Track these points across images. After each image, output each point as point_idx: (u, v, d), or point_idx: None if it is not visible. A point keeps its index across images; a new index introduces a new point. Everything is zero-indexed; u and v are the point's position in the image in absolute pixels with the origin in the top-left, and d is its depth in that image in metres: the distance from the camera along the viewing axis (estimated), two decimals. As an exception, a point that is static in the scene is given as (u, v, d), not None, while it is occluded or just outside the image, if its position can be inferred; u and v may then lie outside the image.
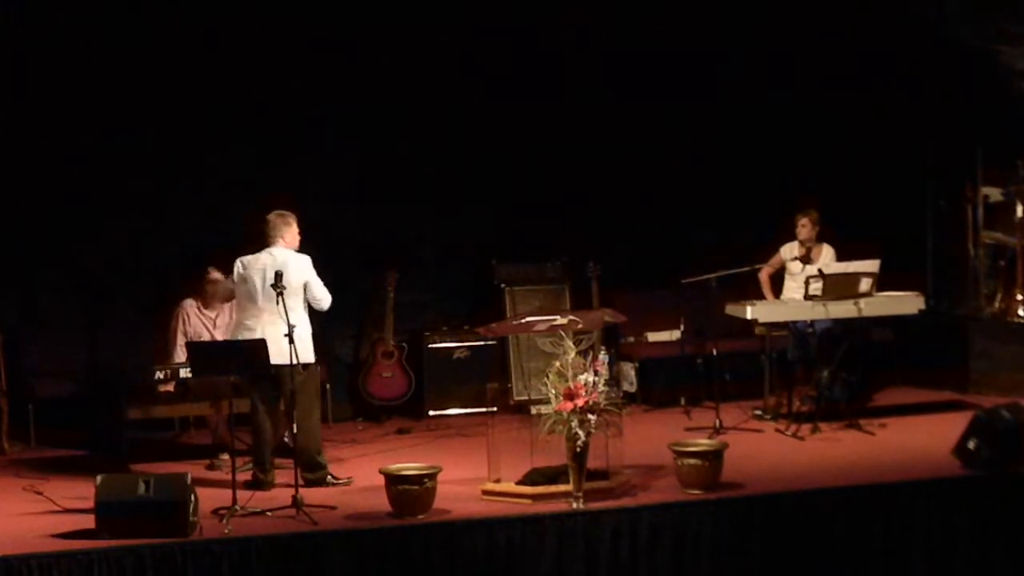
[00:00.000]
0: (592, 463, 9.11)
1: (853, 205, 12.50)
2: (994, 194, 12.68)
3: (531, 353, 12.06)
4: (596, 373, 8.97)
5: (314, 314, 9.90)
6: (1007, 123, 12.49)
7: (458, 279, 12.64)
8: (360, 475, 10.01)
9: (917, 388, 12.47)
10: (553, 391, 8.96)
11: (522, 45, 12.51)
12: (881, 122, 12.99)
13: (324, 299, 9.88)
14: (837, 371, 11.33)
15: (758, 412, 11.61)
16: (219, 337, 10.58)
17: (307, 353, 9.69)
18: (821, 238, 11.81)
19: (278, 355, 9.42)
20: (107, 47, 11.74)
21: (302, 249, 9.90)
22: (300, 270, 9.80)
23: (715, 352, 11.68)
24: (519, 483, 9.36)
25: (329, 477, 9.90)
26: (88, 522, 8.74)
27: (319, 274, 9.82)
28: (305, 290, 9.80)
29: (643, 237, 12.94)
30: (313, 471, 9.80)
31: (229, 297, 10.66)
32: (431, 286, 12.64)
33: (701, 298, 11.68)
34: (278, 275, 9.45)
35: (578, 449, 8.95)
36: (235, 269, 9.91)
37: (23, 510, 9.38)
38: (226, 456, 9.94)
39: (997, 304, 12.61)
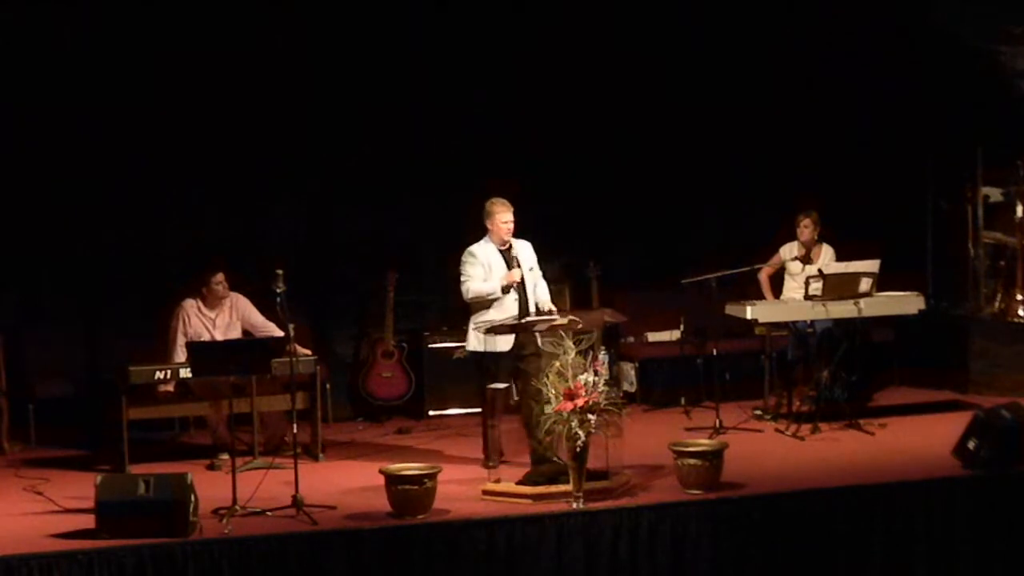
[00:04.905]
0: (592, 463, 9.10)
1: (853, 205, 12.49)
2: (994, 194, 12.69)
3: (531, 353, 12.03)
4: (596, 373, 8.97)
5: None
6: (1007, 123, 12.50)
7: (458, 279, 12.60)
8: (360, 475, 10.00)
9: (917, 388, 12.48)
10: (553, 391, 8.95)
11: (521, 46, 12.50)
12: (881, 122, 13.00)
13: (464, 292, 10.00)
14: (837, 371, 11.32)
15: (758, 412, 11.60)
16: (219, 337, 10.57)
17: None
18: (821, 238, 11.81)
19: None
20: (106, 46, 11.73)
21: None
22: None
23: (715, 352, 11.66)
24: (519, 483, 9.36)
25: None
26: (88, 522, 8.73)
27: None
28: None
29: (643, 237, 12.93)
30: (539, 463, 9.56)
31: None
32: (431, 286, 12.62)
33: (701, 298, 11.67)
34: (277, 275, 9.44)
35: (578, 449, 8.94)
36: None
37: (23, 510, 9.37)
38: (226, 456, 9.94)
39: (997, 304, 12.61)
